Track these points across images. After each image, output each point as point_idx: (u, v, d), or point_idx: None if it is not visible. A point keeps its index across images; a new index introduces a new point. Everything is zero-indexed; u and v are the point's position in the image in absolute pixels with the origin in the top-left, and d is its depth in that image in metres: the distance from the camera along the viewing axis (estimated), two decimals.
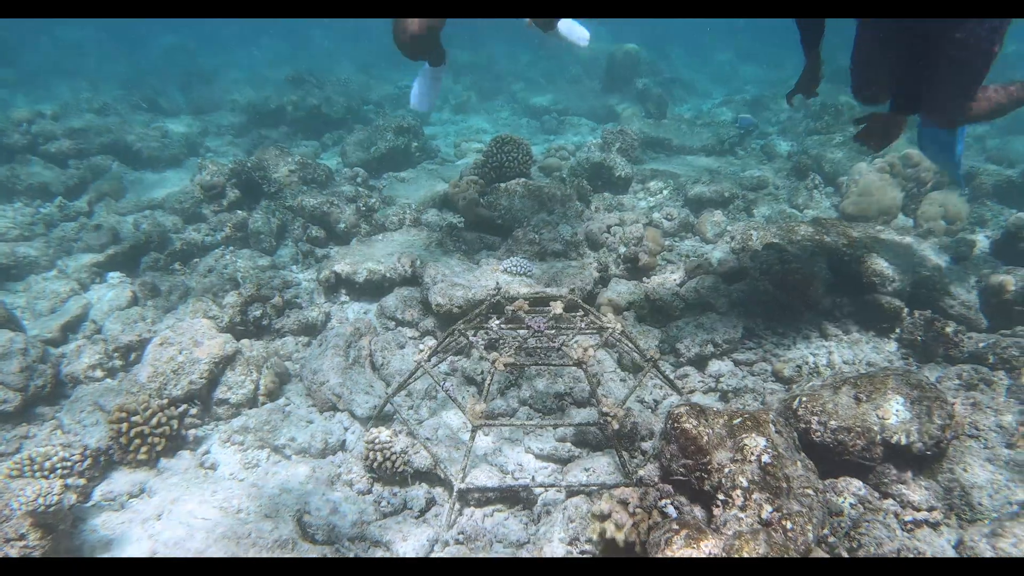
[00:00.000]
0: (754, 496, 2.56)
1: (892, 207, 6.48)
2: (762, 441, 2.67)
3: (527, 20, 4.52)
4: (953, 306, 4.65)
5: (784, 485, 2.59)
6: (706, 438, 2.69)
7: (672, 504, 2.72)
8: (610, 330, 3.65)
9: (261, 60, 18.08)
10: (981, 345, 4.22)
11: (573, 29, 4.75)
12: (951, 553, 2.97)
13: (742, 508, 2.55)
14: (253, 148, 8.90)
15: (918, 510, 3.18)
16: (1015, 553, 2.80)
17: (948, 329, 4.32)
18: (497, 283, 4.43)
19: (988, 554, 2.87)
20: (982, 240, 6.00)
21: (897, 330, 4.54)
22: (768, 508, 2.53)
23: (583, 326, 3.64)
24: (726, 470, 2.64)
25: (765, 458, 2.61)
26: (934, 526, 3.09)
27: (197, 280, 5.59)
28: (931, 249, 5.22)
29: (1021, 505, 3.18)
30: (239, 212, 6.46)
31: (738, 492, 2.57)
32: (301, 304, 5.28)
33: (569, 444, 3.75)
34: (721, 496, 2.61)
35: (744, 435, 2.73)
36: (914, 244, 5.24)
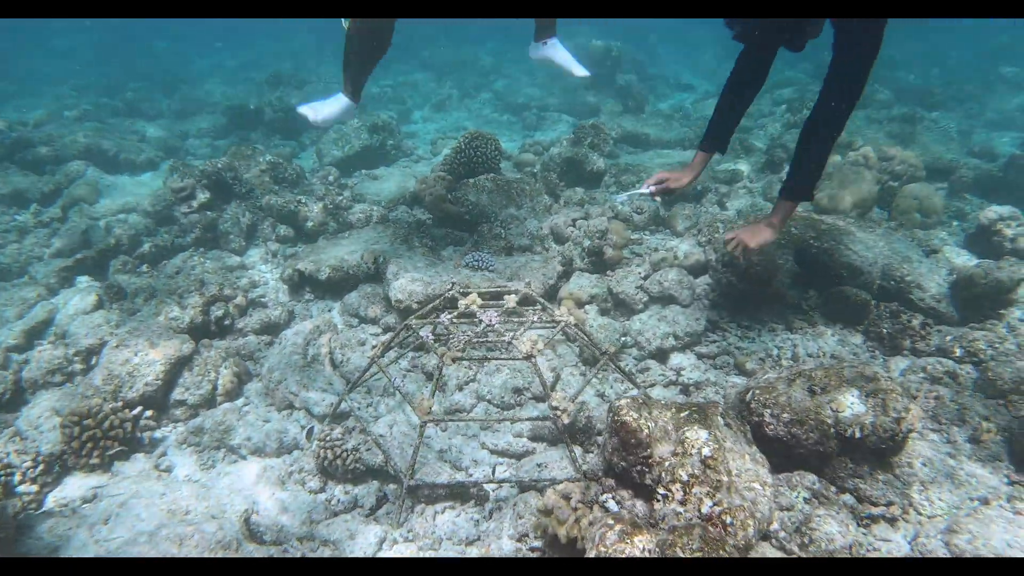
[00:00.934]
0: (694, 490, 2.52)
1: (867, 199, 6.43)
2: (703, 434, 2.63)
3: (532, 55, 4.62)
4: (923, 299, 4.61)
5: (726, 479, 2.55)
6: (647, 431, 2.65)
7: (614, 498, 2.67)
8: (563, 323, 3.60)
9: (244, 60, 18.02)
10: (948, 339, 4.18)
11: (573, 65, 4.80)
12: (906, 549, 2.92)
13: (682, 502, 2.51)
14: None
15: (875, 505, 3.14)
16: (969, 550, 2.75)
17: (915, 322, 4.28)
18: (452, 279, 4.39)
19: (941, 552, 2.83)
20: (958, 234, 5.98)
21: (864, 323, 4.50)
22: (708, 502, 2.49)
23: (535, 320, 3.59)
24: (666, 463, 2.60)
25: (706, 451, 2.57)
26: (891, 521, 3.04)
27: (164, 282, 5.54)
28: (902, 242, 5.18)
29: (981, 501, 3.14)
30: (209, 213, 6.40)
31: (677, 486, 2.53)
32: (267, 303, 5.23)
33: (525, 439, 3.71)
34: (661, 490, 2.57)
35: (687, 428, 2.69)
36: (885, 236, 5.20)
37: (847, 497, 3.17)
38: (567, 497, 2.72)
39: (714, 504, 2.49)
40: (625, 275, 4.82)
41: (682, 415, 2.84)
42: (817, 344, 4.34)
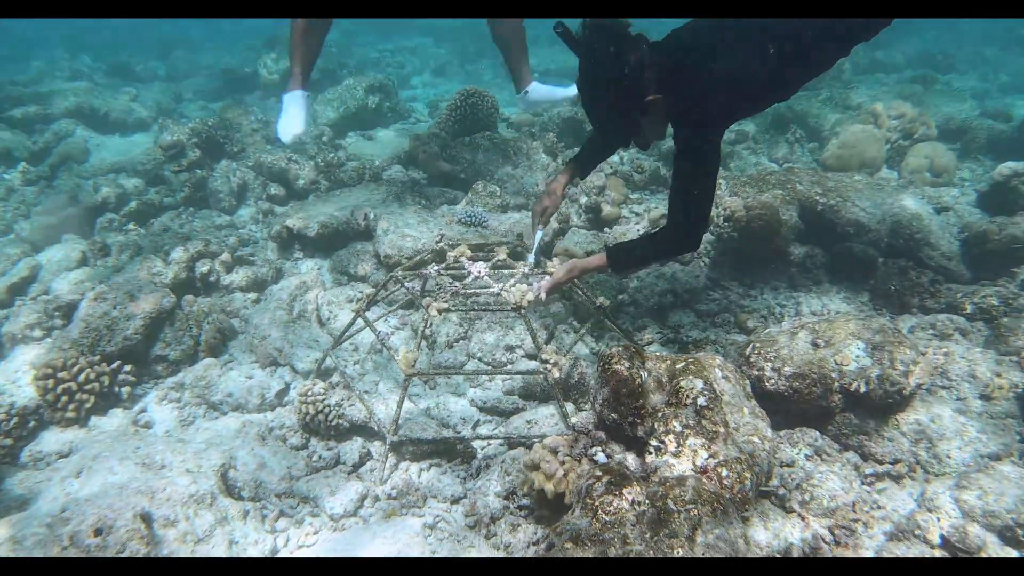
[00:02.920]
0: (688, 441, 2.38)
1: (876, 159, 6.23)
2: (699, 383, 2.48)
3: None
4: (933, 256, 4.43)
5: (722, 430, 2.40)
6: (639, 381, 2.50)
7: (603, 451, 2.53)
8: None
9: (244, 26, 17.68)
10: (959, 295, 4.01)
11: (558, 92, 4.82)
12: (912, 507, 2.78)
13: (675, 454, 2.37)
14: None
15: (880, 463, 2.99)
16: (979, 506, 2.61)
17: (923, 279, 4.10)
18: (441, 231, 4.23)
19: (950, 507, 2.68)
20: (970, 193, 5.77)
21: (871, 281, 4.33)
22: (703, 454, 2.35)
23: (527, 271, 3.43)
24: (659, 414, 2.45)
25: (701, 401, 2.42)
26: (896, 479, 2.90)
27: (151, 239, 5.39)
28: (911, 198, 4.98)
29: (991, 457, 2.99)
30: (199, 172, 6.23)
31: (671, 438, 2.39)
32: (255, 261, 5.07)
33: (515, 397, 3.57)
34: (654, 442, 2.42)
35: (682, 378, 2.54)
36: (893, 193, 5.00)
37: (851, 455, 3.03)
38: (555, 451, 2.58)
39: (709, 456, 2.34)
40: (623, 232, 4.65)
41: (677, 366, 2.69)
42: (822, 302, 4.17)
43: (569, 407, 3.32)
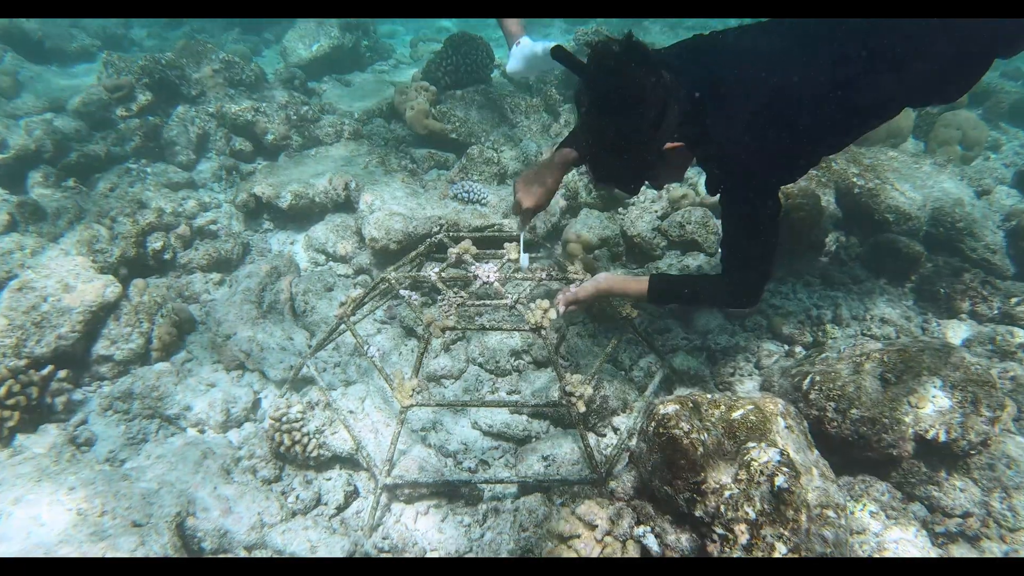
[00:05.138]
0: (764, 532, 1.92)
1: (902, 128, 5.70)
2: (774, 455, 2.01)
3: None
4: (976, 249, 3.98)
5: (803, 518, 1.94)
6: (701, 450, 2.02)
7: (653, 531, 2.07)
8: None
9: None
10: (1014, 300, 3.58)
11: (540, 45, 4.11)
12: None
13: (747, 548, 1.91)
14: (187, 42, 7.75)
15: (949, 516, 2.59)
16: None
17: (976, 282, 3.67)
18: (438, 217, 3.66)
19: None
20: (1000, 169, 5.31)
21: (912, 278, 3.88)
22: (782, 549, 1.89)
23: (544, 277, 2.89)
24: (726, 494, 1.98)
25: (780, 481, 1.95)
26: (973, 540, 2.51)
27: (95, 200, 4.70)
28: (951, 180, 4.51)
29: None
30: (151, 119, 5.47)
31: (743, 527, 1.92)
32: (218, 232, 4.44)
33: (525, 418, 3.08)
34: (719, 529, 1.96)
35: (750, 442, 2.06)
36: (933, 173, 4.52)
37: (916, 507, 2.62)
38: (592, 526, 2.11)
39: (789, 551, 1.89)
40: (640, 214, 4.11)
41: (734, 416, 2.22)
42: (864, 305, 3.72)
43: (591, 438, 2.85)
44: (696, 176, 4.43)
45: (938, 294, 3.67)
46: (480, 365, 3.40)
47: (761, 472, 1.97)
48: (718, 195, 2.40)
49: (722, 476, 2.01)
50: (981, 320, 3.62)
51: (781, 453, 2.00)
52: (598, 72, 2.06)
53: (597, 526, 2.10)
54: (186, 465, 2.76)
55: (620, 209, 4.29)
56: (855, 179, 4.20)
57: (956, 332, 3.56)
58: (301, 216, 4.35)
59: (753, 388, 3.19)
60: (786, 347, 3.52)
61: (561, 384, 2.59)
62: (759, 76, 2.22)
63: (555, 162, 2.71)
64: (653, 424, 2.10)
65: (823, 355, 2.86)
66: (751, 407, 2.27)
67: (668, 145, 2.18)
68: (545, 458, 2.77)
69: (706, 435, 2.08)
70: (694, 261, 3.91)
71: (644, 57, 2.06)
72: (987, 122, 6.24)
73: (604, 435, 3.03)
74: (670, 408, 2.10)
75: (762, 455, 2.00)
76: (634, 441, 2.97)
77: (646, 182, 2.43)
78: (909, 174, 4.48)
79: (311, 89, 6.43)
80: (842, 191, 4.19)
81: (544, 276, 2.87)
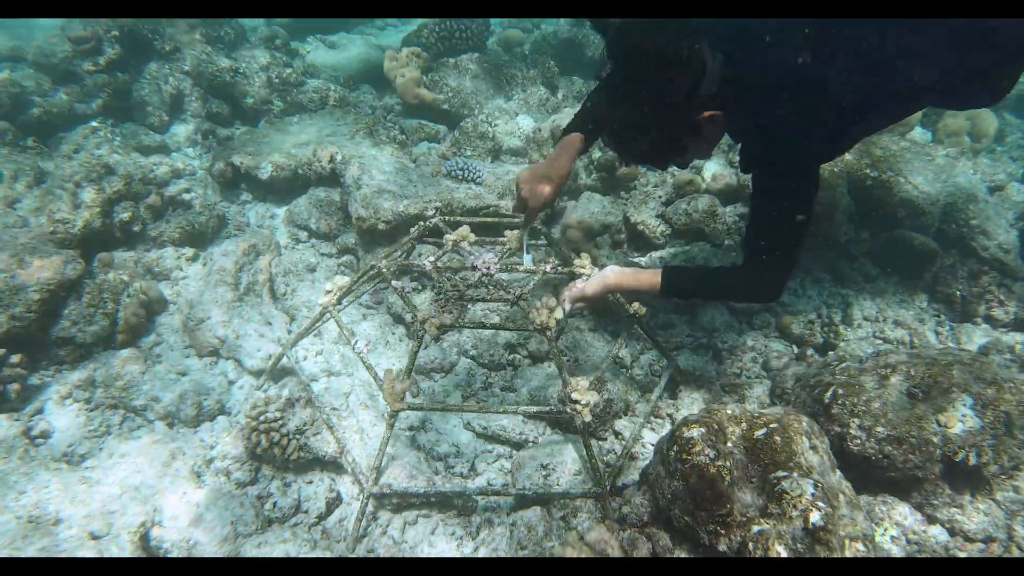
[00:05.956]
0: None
1: (910, 119, 5.52)
2: (808, 488, 1.82)
3: None
4: (988, 248, 3.81)
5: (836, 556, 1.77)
6: (728, 479, 1.83)
7: None
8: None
9: None
10: None
11: None
12: None
13: None
14: None
15: (971, 540, 2.45)
16: None
17: (993, 285, 3.51)
18: (435, 202, 3.40)
19: None
20: (1007, 162, 5.15)
21: (925, 276, 3.71)
22: None
23: (548, 270, 2.66)
24: (755, 529, 1.79)
25: (815, 518, 1.76)
26: None
27: (58, 163, 4.36)
28: (964, 174, 4.33)
29: None
30: (120, 75, 5.10)
31: None
32: (192, 203, 4.14)
33: (520, 419, 2.88)
34: None
35: (779, 471, 1.87)
36: (946, 167, 4.34)
37: (937, 530, 2.47)
38: (602, 555, 1.92)
39: None
40: (644, 200, 3.88)
41: (757, 434, 2.05)
42: (876, 304, 3.55)
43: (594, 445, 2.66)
44: (700, 162, 4.21)
45: (954, 296, 3.51)
46: (473, 358, 3.19)
47: (794, 506, 1.78)
48: (749, 174, 2.25)
49: (749, 508, 1.83)
50: (996, 325, 3.47)
51: (815, 485, 1.82)
52: (635, 32, 1.84)
53: (608, 553, 1.92)
54: (152, 467, 2.52)
55: (623, 193, 4.06)
56: (867, 170, 4.00)
57: (971, 337, 3.41)
58: (282, 188, 4.07)
59: (763, 393, 3.01)
60: (795, 348, 3.35)
61: (566, 390, 2.38)
62: (800, 48, 2.03)
63: (562, 154, 2.48)
64: (675, 448, 1.91)
65: (844, 364, 2.68)
66: (774, 425, 2.09)
67: (704, 114, 2.00)
68: (544, 467, 2.57)
69: (731, 462, 1.89)
70: (700, 252, 3.70)
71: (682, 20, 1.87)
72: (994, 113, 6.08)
73: (605, 439, 2.84)
74: (695, 432, 1.90)
75: (795, 487, 1.81)
76: (637, 447, 2.80)
77: (676, 158, 2.23)
78: (922, 167, 4.29)
79: (294, 50, 6.06)
80: (854, 182, 3.99)
81: (548, 269, 2.64)
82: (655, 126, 1.98)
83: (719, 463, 1.84)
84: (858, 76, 2.11)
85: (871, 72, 2.12)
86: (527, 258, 2.57)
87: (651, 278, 2.41)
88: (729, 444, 1.98)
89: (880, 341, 3.34)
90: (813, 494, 1.81)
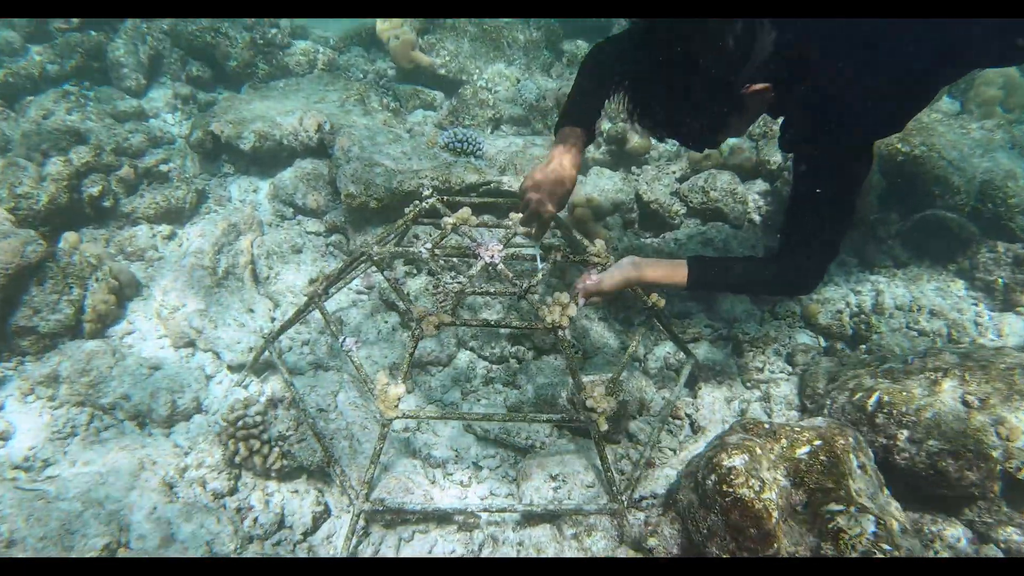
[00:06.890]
0: None
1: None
2: (869, 527, 1.57)
3: None
4: None
5: None
6: (776, 515, 1.58)
7: None
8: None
9: None
10: None
11: None
12: None
13: None
14: None
15: None
16: None
17: None
18: (431, 177, 3.11)
19: None
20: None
21: (960, 261, 3.45)
22: None
23: (559, 258, 2.38)
24: None
25: None
26: None
27: (26, 129, 4.03)
28: (1002, 149, 4.04)
29: None
30: (94, 33, 4.74)
31: None
32: (170, 175, 3.82)
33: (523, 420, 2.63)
34: None
35: (832, 504, 1.63)
36: (983, 141, 4.04)
37: (991, 549, 2.25)
38: None
39: None
40: (657, 176, 3.59)
41: (799, 453, 1.81)
42: (909, 292, 3.29)
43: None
44: None
45: (995, 284, 3.25)
46: (473, 350, 2.93)
47: (853, 548, 1.54)
48: (790, 153, 2.04)
49: (799, 548, 1.58)
50: None
51: (878, 523, 1.57)
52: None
53: None
54: (119, 478, 2.26)
55: (634, 168, 3.76)
56: (899, 144, 3.70)
57: (1013, 327, 3.16)
58: (266, 160, 3.76)
59: (790, 392, 2.76)
60: (822, 340, 3.09)
61: (582, 395, 2.12)
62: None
63: (566, 155, 2.26)
64: (713, 478, 1.65)
65: (887, 364, 2.43)
66: (819, 442, 1.84)
67: (751, 88, 1.74)
68: (553, 477, 2.32)
69: (775, 492, 1.64)
70: (718, 234, 3.42)
71: None
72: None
73: (618, 442, 2.59)
74: (736, 460, 1.64)
75: (854, 526, 1.56)
76: (654, 453, 2.55)
77: (715, 136, 1.96)
78: (956, 140, 3.99)
79: None
80: (884, 158, 3.70)
81: (559, 258, 2.36)
82: (699, 99, 1.69)
83: (764, 496, 1.59)
84: (925, 40, 1.84)
85: (937, 29, 1.85)
86: (543, 267, 2.30)
87: (676, 270, 2.15)
88: (767, 467, 1.73)
89: (915, 333, 3.09)
90: (875, 533, 1.56)
